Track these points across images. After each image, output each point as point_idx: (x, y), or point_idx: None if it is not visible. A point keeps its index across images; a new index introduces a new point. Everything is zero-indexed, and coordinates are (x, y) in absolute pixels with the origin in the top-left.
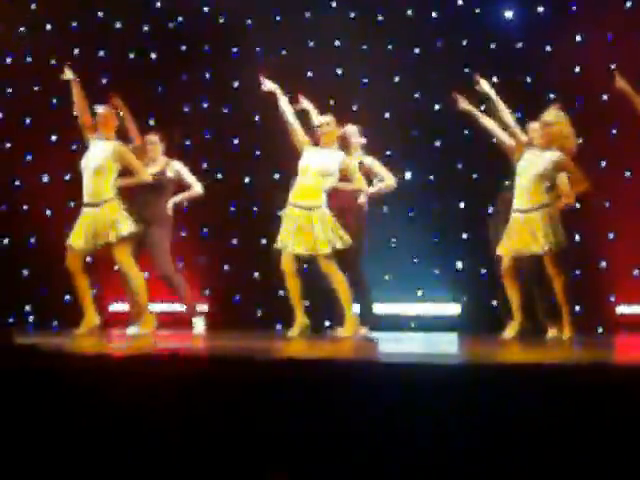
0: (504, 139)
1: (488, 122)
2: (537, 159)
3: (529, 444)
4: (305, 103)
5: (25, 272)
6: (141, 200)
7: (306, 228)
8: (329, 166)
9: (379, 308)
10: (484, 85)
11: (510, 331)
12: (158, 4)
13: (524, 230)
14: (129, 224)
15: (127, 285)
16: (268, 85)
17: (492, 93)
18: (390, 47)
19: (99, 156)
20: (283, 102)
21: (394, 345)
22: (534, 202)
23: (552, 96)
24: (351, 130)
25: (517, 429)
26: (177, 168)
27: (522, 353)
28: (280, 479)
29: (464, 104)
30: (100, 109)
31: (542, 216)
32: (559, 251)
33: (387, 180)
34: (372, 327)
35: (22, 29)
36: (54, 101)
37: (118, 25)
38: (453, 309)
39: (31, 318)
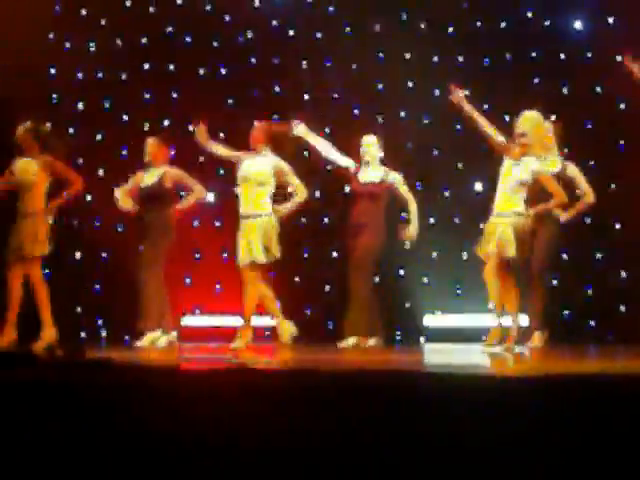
0: (498, 139)
1: (481, 120)
2: (517, 167)
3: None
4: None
5: (97, 286)
6: (147, 217)
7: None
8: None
9: (452, 319)
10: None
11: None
12: (227, 18)
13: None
14: None
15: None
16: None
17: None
18: (460, 59)
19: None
20: None
21: (460, 356)
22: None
23: (622, 106)
24: (368, 140)
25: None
26: (174, 175)
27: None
28: None
29: (458, 97)
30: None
31: (513, 223)
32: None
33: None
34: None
35: (92, 45)
36: (125, 117)
37: (188, 39)
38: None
39: (103, 332)
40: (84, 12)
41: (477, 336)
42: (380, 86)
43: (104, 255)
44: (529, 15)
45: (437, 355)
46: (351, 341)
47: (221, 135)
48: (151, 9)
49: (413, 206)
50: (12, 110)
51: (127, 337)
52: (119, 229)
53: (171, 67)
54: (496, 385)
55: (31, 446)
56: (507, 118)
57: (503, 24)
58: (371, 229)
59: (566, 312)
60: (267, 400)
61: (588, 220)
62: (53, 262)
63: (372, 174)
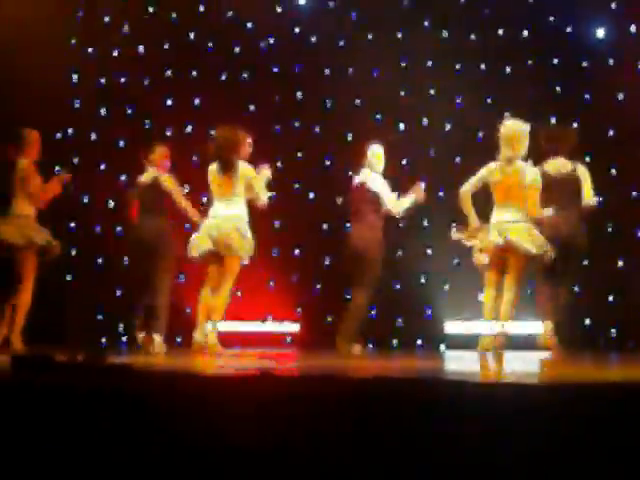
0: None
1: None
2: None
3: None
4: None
5: (118, 292)
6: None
7: None
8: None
9: (473, 327)
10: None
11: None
12: (249, 25)
13: None
14: None
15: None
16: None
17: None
18: (482, 66)
19: None
20: None
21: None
22: None
23: None
24: (375, 150)
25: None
26: (164, 180)
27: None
28: None
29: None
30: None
31: None
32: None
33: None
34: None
35: (115, 51)
36: (147, 122)
37: (210, 46)
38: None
39: (124, 338)
40: (107, 19)
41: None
42: (402, 93)
43: (125, 260)
44: (551, 22)
45: (456, 362)
46: (358, 348)
47: None
48: (173, 15)
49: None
50: (35, 116)
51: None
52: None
53: (193, 73)
54: (516, 392)
55: (49, 450)
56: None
57: (525, 32)
58: (369, 236)
59: (587, 321)
60: (289, 406)
61: (610, 228)
62: (75, 267)
63: (360, 177)
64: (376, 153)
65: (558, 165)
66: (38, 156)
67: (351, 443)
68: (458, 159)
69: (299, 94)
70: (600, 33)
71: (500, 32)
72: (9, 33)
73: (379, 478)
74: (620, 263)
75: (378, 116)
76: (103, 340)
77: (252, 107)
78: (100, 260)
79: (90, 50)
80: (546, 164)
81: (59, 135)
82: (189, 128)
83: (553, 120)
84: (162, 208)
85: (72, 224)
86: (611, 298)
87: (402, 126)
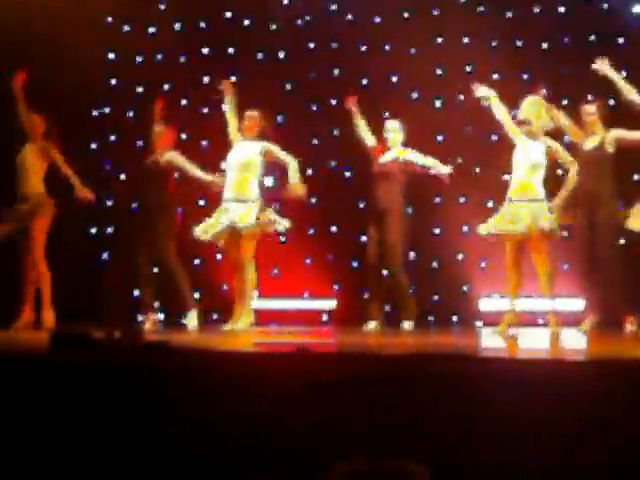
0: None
1: None
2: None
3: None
4: None
5: (155, 270)
6: (143, 192)
7: None
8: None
9: (500, 303)
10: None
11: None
12: (286, 1)
13: None
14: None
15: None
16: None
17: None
18: (519, 43)
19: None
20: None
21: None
22: None
23: None
24: (389, 125)
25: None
26: (169, 158)
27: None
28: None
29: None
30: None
31: None
32: None
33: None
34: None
35: (152, 29)
36: (184, 101)
37: (246, 23)
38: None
39: (161, 316)
40: None
41: (533, 320)
42: (439, 71)
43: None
44: None
45: (492, 339)
46: (373, 325)
47: (279, 118)
48: None
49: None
50: (72, 94)
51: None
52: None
53: (230, 51)
54: (551, 369)
55: (90, 425)
56: (565, 102)
57: (562, 9)
58: (392, 213)
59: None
60: (324, 383)
61: None
62: (112, 247)
63: (388, 156)
64: (391, 128)
65: None
66: (44, 138)
67: (387, 418)
68: (494, 137)
69: (335, 71)
70: (637, 9)
71: (536, 9)
72: (47, 12)
73: (410, 449)
74: None
75: (414, 93)
76: (139, 318)
77: (288, 85)
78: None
79: (126, 28)
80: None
81: (96, 113)
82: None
83: (589, 97)
84: (165, 185)
85: (109, 202)
86: None
87: (438, 103)
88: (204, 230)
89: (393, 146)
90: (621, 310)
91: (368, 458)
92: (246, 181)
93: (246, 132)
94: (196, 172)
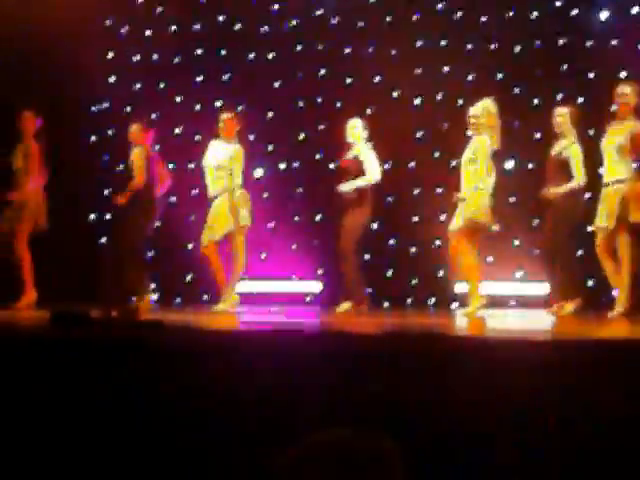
0: None
1: None
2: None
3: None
4: None
5: (150, 253)
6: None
7: None
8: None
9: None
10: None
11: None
12: (275, 6)
13: None
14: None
15: None
16: None
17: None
18: (493, 46)
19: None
20: None
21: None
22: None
23: None
24: (353, 123)
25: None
26: (133, 154)
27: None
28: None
29: None
30: (223, 115)
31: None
32: None
33: (367, 175)
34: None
35: (148, 31)
36: (178, 99)
37: (238, 27)
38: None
39: (155, 296)
40: (140, 0)
41: (504, 302)
42: (418, 71)
43: (157, 225)
44: (558, 5)
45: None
46: (346, 306)
47: (268, 115)
48: None
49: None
50: (74, 91)
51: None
52: (172, 199)
53: (222, 52)
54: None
55: (87, 401)
56: (536, 101)
57: (534, 14)
58: (352, 202)
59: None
60: (308, 360)
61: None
62: (110, 233)
63: (350, 153)
64: (352, 126)
65: None
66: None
67: (364, 394)
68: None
69: (322, 71)
70: (603, 15)
71: (510, 14)
72: (52, 16)
73: (390, 425)
74: None
75: (395, 92)
76: (133, 298)
77: (277, 84)
78: None
79: (124, 30)
80: None
81: (94, 109)
82: (218, 103)
83: (559, 97)
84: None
85: (106, 191)
86: None
87: (417, 101)
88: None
89: (356, 143)
90: (565, 292)
91: (344, 429)
92: (221, 179)
93: (222, 133)
94: (139, 175)
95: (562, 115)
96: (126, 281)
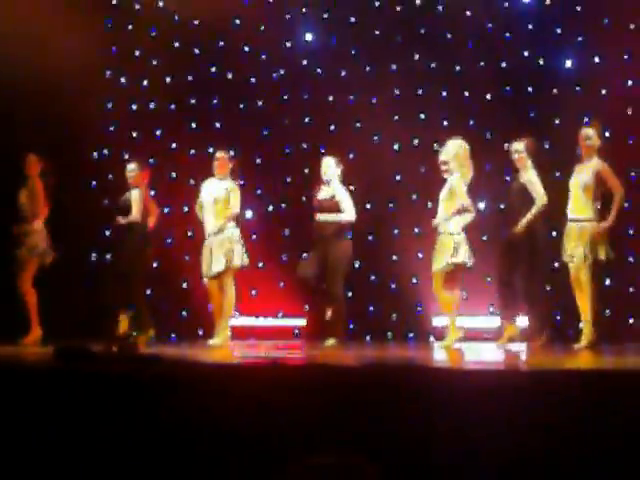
0: None
1: None
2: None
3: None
4: None
5: (148, 291)
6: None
7: None
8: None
9: (459, 321)
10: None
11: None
12: (263, 57)
13: None
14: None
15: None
16: None
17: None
18: (466, 93)
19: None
20: None
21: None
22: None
23: (607, 134)
24: (328, 162)
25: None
26: (132, 195)
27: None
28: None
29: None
30: (218, 154)
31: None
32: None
33: (345, 213)
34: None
35: (145, 81)
36: (173, 144)
37: (229, 76)
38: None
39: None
40: (137, 53)
41: (479, 335)
42: (396, 117)
43: (155, 265)
44: (525, 55)
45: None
46: (332, 341)
47: (257, 160)
48: (196, 50)
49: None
50: (75, 138)
51: (174, 335)
52: (168, 241)
53: (214, 101)
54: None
55: (90, 427)
56: (506, 145)
57: (503, 64)
58: (334, 240)
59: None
60: (296, 392)
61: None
62: (110, 271)
63: (325, 192)
64: (326, 165)
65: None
66: (41, 175)
67: (347, 421)
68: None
69: (306, 119)
70: (568, 64)
71: (482, 64)
72: (55, 67)
73: (371, 452)
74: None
75: (375, 137)
76: (134, 333)
77: (265, 131)
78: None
79: (123, 80)
80: None
81: (95, 155)
82: (210, 149)
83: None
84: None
85: (107, 232)
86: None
87: (396, 146)
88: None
89: (331, 180)
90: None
91: (327, 455)
92: (218, 213)
93: (216, 171)
94: (136, 213)
95: (518, 151)
96: (128, 315)
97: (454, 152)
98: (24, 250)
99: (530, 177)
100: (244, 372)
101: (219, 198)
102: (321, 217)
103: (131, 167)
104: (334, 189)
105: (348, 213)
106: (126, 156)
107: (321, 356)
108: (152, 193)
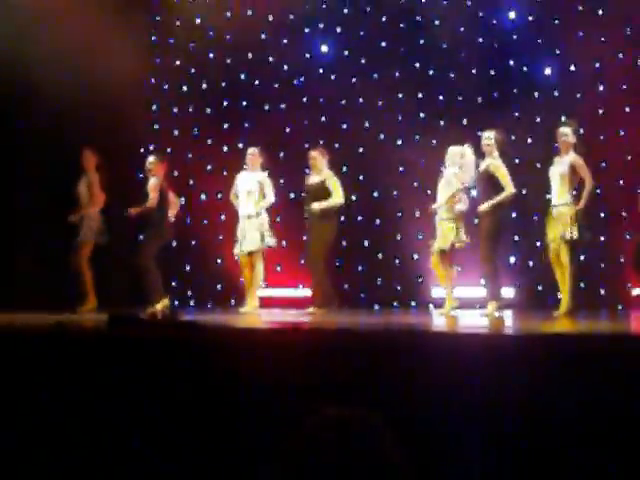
0: None
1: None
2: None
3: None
4: None
5: (187, 267)
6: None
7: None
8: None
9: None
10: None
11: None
12: (285, 67)
13: None
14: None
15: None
16: None
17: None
18: (460, 97)
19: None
20: None
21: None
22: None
23: (582, 131)
24: (315, 153)
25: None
26: (150, 183)
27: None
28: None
29: None
30: (250, 150)
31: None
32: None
33: (336, 199)
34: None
35: (185, 87)
36: (209, 142)
37: (256, 83)
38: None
39: (192, 301)
40: (177, 63)
41: (473, 304)
42: (399, 117)
43: (193, 243)
44: (511, 64)
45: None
46: (313, 310)
47: (281, 154)
48: (228, 60)
49: (334, 201)
50: (125, 136)
51: (210, 304)
52: (205, 222)
53: (243, 103)
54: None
55: (139, 386)
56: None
57: (492, 71)
58: (321, 223)
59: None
60: (313, 352)
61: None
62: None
63: (314, 178)
64: (312, 156)
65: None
66: (96, 168)
67: (357, 378)
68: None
69: (322, 118)
70: (548, 71)
71: (473, 71)
72: (110, 77)
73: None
74: None
75: (381, 134)
76: (175, 302)
77: (287, 129)
78: (174, 243)
79: (165, 86)
80: None
81: (142, 150)
82: (240, 145)
83: (513, 138)
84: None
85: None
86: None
87: (399, 142)
88: (245, 246)
89: (322, 169)
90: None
91: (335, 409)
92: (251, 202)
93: (249, 164)
94: (152, 199)
95: (488, 138)
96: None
97: (464, 153)
98: (82, 233)
99: (494, 167)
100: (270, 335)
101: (252, 189)
102: (312, 203)
103: (150, 159)
104: (325, 175)
105: (338, 198)
106: (169, 150)
107: (333, 322)
108: (191, 182)
